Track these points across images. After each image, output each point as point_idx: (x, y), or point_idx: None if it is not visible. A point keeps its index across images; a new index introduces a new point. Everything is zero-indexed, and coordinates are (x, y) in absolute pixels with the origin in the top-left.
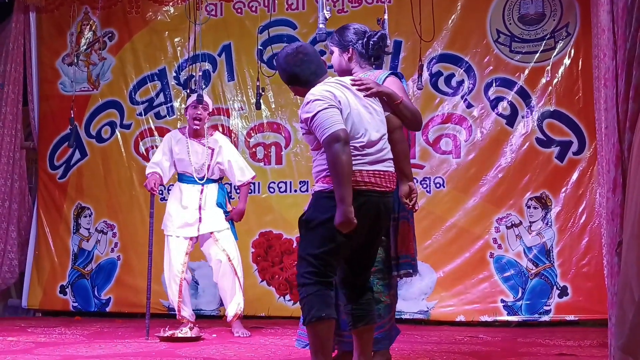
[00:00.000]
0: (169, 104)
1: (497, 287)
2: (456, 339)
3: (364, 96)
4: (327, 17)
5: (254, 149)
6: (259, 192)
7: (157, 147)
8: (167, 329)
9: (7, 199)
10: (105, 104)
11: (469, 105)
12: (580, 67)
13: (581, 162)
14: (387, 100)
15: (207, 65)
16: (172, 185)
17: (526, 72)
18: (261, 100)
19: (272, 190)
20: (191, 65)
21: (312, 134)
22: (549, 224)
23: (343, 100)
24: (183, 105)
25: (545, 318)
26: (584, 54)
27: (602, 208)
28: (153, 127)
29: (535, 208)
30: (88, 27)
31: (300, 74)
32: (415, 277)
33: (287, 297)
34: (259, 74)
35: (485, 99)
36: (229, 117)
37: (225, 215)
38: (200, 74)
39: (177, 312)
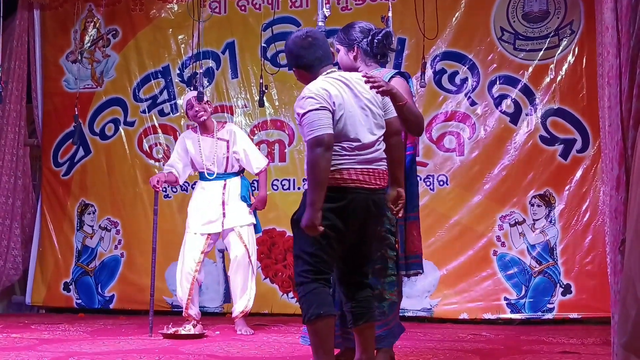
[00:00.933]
0: (172, 102)
1: (501, 285)
2: (459, 336)
3: (376, 93)
4: (327, 15)
5: (257, 147)
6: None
7: (160, 144)
8: (170, 326)
9: (11, 196)
10: (109, 101)
11: (473, 103)
12: (584, 64)
13: (585, 160)
14: (392, 100)
15: (210, 63)
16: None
17: (530, 69)
18: (265, 98)
19: (275, 187)
20: (195, 63)
21: None
22: (553, 221)
23: (338, 100)
24: None
25: (549, 316)
26: (588, 51)
27: (606, 206)
28: (157, 124)
29: (538, 206)
30: (92, 24)
31: (305, 57)
32: (419, 275)
33: (291, 294)
34: (262, 71)
35: (489, 97)
36: (232, 114)
37: (249, 206)
38: (202, 71)
39: (184, 310)
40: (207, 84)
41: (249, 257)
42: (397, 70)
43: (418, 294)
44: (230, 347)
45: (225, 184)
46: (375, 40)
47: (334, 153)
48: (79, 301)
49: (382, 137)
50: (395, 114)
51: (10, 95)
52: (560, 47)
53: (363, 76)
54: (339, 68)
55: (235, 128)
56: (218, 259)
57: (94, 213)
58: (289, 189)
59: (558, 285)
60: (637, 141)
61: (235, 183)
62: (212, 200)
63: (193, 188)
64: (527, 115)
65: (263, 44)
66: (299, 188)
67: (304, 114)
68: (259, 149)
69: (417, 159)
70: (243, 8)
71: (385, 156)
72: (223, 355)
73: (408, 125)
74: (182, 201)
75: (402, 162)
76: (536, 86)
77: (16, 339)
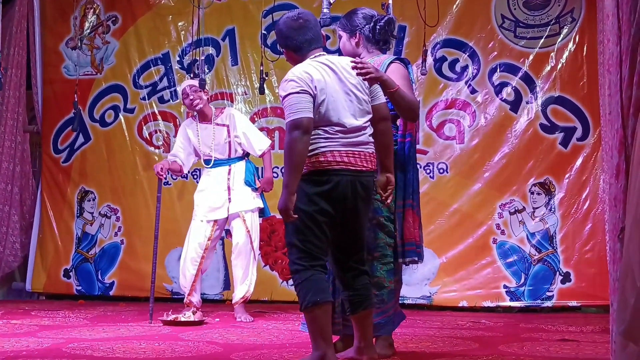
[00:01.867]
0: (172, 88)
1: (500, 273)
2: (459, 324)
3: (363, 79)
4: (332, 1)
5: None
6: (262, 177)
7: (160, 131)
8: (170, 312)
9: (10, 183)
10: (109, 88)
11: (473, 91)
12: (585, 52)
13: (585, 148)
14: (382, 87)
15: (210, 50)
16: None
17: (531, 57)
18: (265, 85)
19: (275, 175)
20: (195, 50)
21: None
22: (553, 210)
23: (320, 85)
24: None
25: (548, 304)
26: (589, 39)
27: (606, 194)
28: (156, 111)
29: (538, 194)
30: (92, 10)
31: (295, 38)
32: (419, 263)
33: (290, 282)
34: (262, 58)
35: (489, 85)
36: (232, 101)
37: (254, 190)
38: (203, 58)
39: (186, 296)
40: (207, 71)
41: (251, 242)
42: (396, 57)
43: (417, 282)
44: (229, 334)
45: (230, 170)
46: (378, 27)
47: (317, 137)
48: (79, 288)
49: (369, 123)
50: (384, 100)
51: (9, 81)
52: (561, 35)
53: (352, 61)
54: (340, 53)
55: (234, 112)
56: (218, 245)
57: (94, 200)
58: None
59: (557, 273)
60: (637, 129)
61: (240, 167)
62: (217, 186)
63: (193, 176)
64: (527, 103)
65: (263, 31)
66: None
67: (285, 96)
68: None
69: (417, 146)
70: None
71: (372, 140)
72: (222, 342)
73: (400, 112)
74: (182, 188)
75: (390, 148)
76: (537, 74)
77: (16, 326)
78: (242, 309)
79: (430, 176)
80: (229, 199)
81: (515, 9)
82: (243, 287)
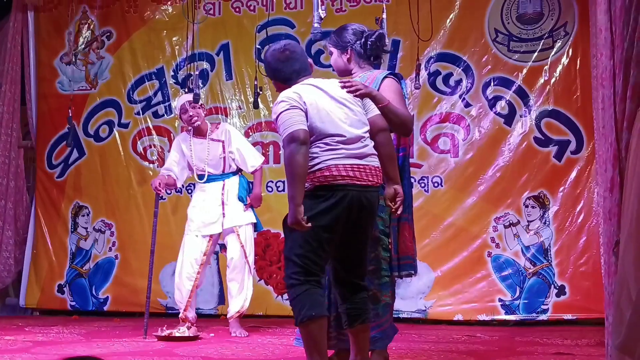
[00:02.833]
0: (167, 103)
1: (495, 286)
2: (454, 338)
3: (354, 96)
4: (322, 16)
5: None
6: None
7: (154, 146)
8: (164, 328)
9: (3, 198)
10: (103, 103)
11: (467, 105)
12: (578, 66)
13: (579, 162)
14: (374, 102)
15: (205, 65)
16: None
17: (524, 71)
18: (259, 100)
19: (270, 189)
20: (189, 65)
21: None
22: (547, 223)
23: (310, 100)
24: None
25: (543, 317)
26: (582, 53)
27: (600, 207)
28: (151, 126)
29: (533, 207)
30: (86, 26)
31: (283, 70)
32: (413, 276)
33: (285, 296)
34: (257, 73)
35: (483, 98)
36: (227, 116)
37: (244, 205)
38: (197, 73)
39: (181, 311)
40: (202, 85)
41: (246, 257)
42: (389, 72)
43: (412, 296)
44: (224, 349)
45: (224, 185)
46: (369, 42)
47: (318, 150)
48: (73, 303)
49: (368, 134)
50: (377, 112)
51: (4, 97)
52: (555, 49)
53: (340, 82)
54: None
55: (230, 128)
56: (212, 260)
57: (88, 215)
58: (283, 190)
59: (552, 286)
60: (631, 143)
61: (234, 183)
62: (211, 201)
63: (188, 190)
64: (521, 116)
65: (257, 46)
66: None
67: (277, 117)
68: None
69: (412, 160)
70: (237, 10)
71: (375, 152)
72: (217, 357)
73: (392, 126)
74: (177, 203)
75: (393, 159)
76: (530, 88)
77: (10, 342)
78: (237, 323)
79: (424, 190)
80: (223, 214)
81: (508, 23)
82: (238, 301)
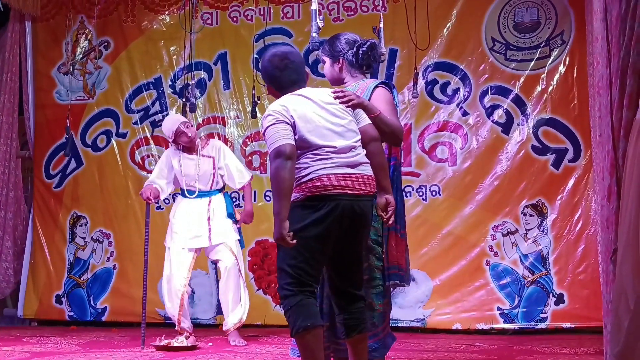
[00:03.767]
0: (164, 113)
1: (494, 295)
2: (453, 347)
3: (346, 107)
4: (320, 26)
5: (250, 158)
6: (255, 201)
7: (152, 155)
8: (163, 338)
9: (2, 208)
10: (101, 113)
11: (465, 113)
12: (575, 74)
13: (577, 170)
14: (365, 112)
15: (202, 74)
16: (175, 198)
17: (521, 80)
18: (257, 109)
19: (268, 198)
20: (187, 74)
21: None
22: (545, 231)
23: (297, 112)
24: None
25: (542, 326)
26: (579, 61)
27: (598, 215)
28: (149, 135)
29: (531, 215)
30: (84, 36)
31: (280, 79)
32: (412, 286)
33: None
34: (254, 82)
35: (480, 107)
36: (225, 125)
37: (235, 222)
38: (194, 82)
39: (177, 324)
40: (199, 95)
41: (239, 269)
42: (381, 81)
43: (411, 304)
44: (223, 358)
45: (210, 201)
46: (361, 52)
47: (308, 161)
48: (71, 314)
49: (360, 143)
50: (368, 122)
51: (2, 107)
52: (551, 57)
53: (332, 92)
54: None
55: (220, 144)
56: (210, 270)
57: (86, 225)
58: None
59: (551, 294)
60: (628, 151)
61: (219, 200)
62: (196, 215)
63: None
64: (518, 125)
65: (255, 55)
66: None
67: (264, 131)
68: (252, 160)
69: (410, 169)
70: (235, 19)
71: (368, 161)
72: None
73: (383, 136)
74: None
75: (385, 168)
76: (528, 96)
77: (8, 352)
78: (235, 333)
79: (422, 199)
80: (209, 229)
81: (505, 32)
82: (236, 313)
